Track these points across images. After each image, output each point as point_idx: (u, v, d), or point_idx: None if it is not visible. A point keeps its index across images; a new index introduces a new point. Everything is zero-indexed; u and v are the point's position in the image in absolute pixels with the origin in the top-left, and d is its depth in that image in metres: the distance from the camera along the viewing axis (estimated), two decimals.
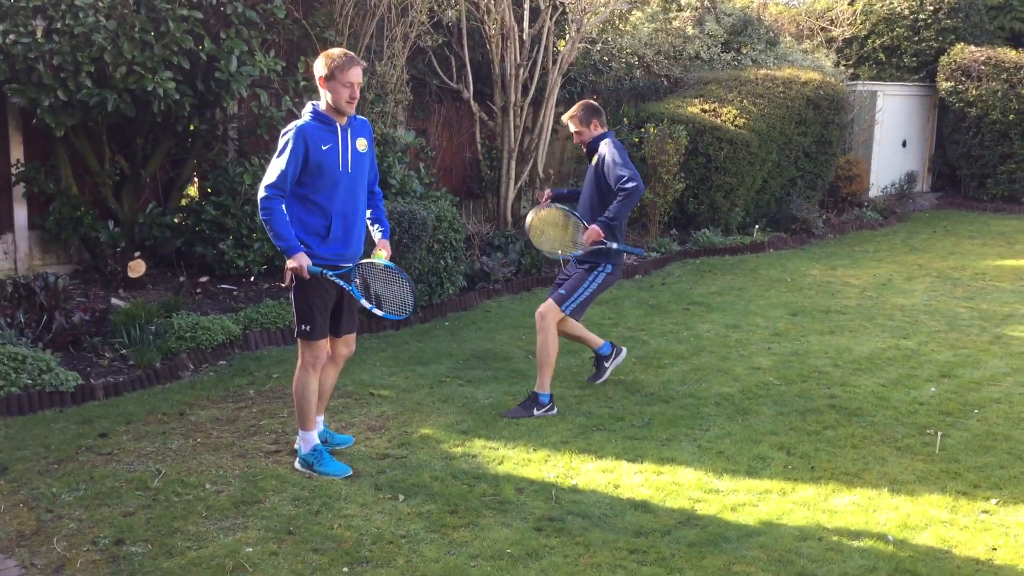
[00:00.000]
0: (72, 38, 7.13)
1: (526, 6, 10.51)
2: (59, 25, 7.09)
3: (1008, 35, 16.73)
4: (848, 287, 9.61)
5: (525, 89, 10.79)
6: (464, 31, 10.43)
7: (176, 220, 8.63)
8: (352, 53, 4.75)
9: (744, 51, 14.15)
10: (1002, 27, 16.78)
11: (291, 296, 4.87)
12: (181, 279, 8.38)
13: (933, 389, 6.41)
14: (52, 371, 5.94)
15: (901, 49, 16.14)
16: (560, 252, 6.03)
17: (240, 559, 4.03)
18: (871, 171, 14.89)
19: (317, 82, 4.72)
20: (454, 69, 10.72)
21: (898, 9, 16.16)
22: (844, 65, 16.21)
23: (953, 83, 15.08)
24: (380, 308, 4.80)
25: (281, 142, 4.68)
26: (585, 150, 6.20)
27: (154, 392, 6.14)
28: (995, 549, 4.25)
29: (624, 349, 6.58)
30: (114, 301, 7.62)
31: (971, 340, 7.66)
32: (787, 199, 12.64)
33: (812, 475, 5.00)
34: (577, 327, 6.32)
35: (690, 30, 14.02)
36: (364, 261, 4.85)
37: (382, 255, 4.87)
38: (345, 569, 3.98)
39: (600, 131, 6.09)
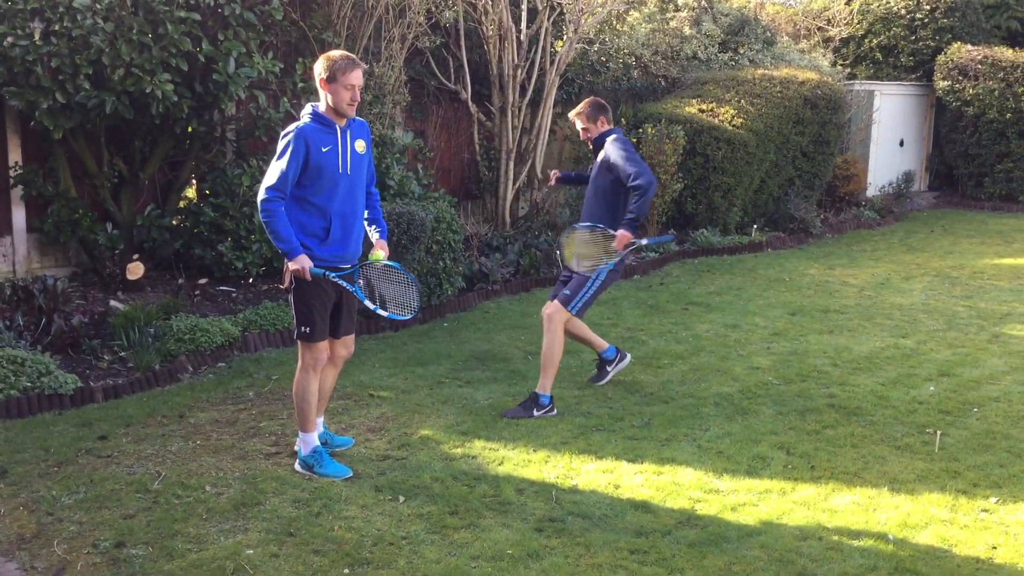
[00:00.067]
0: (70, 40, 7.13)
1: (523, 7, 10.52)
2: (57, 27, 7.09)
3: (1005, 34, 16.75)
4: (846, 286, 9.62)
5: (523, 90, 10.80)
6: (462, 32, 10.43)
7: (175, 222, 8.63)
8: (353, 55, 4.75)
9: (741, 51, 14.16)
10: (999, 26, 16.80)
11: (290, 298, 4.86)
12: (180, 281, 8.38)
13: (932, 388, 6.41)
14: (51, 374, 5.93)
15: (898, 48, 16.16)
16: (602, 264, 6.02)
17: (241, 561, 4.03)
18: (868, 170, 14.90)
19: (317, 84, 4.71)
20: (452, 70, 10.73)
21: (895, 8, 16.18)
22: (841, 65, 16.24)
23: (950, 82, 15.10)
24: (385, 308, 4.80)
25: (281, 144, 4.67)
26: (592, 146, 6.25)
27: (153, 394, 6.14)
28: (995, 548, 4.25)
29: (628, 355, 6.59)
30: (113, 303, 7.62)
31: (970, 339, 7.67)
32: (785, 199, 12.64)
33: (812, 475, 5.01)
34: (583, 328, 6.34)
35: (687, 30, 14.03)
36: (367, 262, 4.85)
37: (380, 255, 4.88)
38: (346, 571, 3.99)
39: (606, 127, 6.15)
